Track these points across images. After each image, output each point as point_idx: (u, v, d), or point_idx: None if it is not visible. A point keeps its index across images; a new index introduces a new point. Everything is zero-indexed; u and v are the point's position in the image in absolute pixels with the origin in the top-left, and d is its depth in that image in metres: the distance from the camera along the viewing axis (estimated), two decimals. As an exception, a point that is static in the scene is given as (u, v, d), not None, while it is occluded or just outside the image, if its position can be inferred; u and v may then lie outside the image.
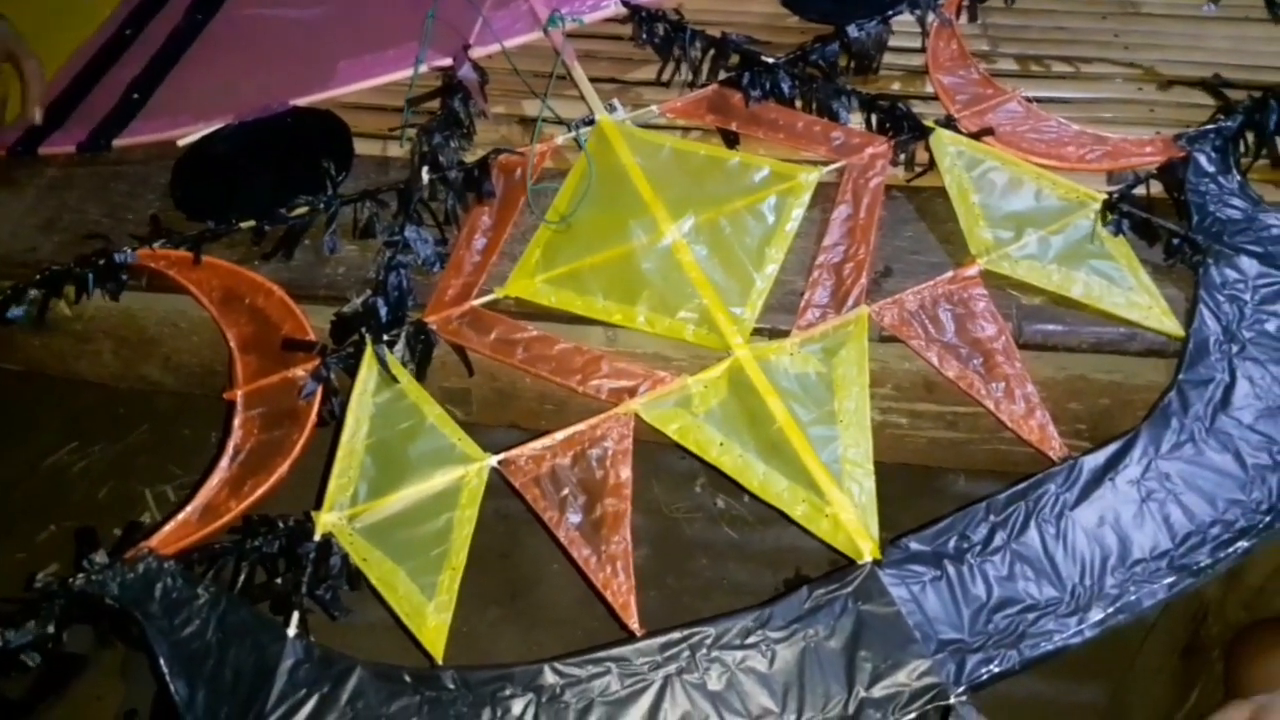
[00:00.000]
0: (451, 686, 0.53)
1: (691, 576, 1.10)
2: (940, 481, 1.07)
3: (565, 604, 1.08)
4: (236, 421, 0.62)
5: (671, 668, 0.52)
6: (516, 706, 0.52)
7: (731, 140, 0.74)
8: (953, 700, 0.50)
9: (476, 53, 0.81)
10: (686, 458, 1.22)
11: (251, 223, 0.70)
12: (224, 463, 0.61)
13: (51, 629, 0.58)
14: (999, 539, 0.55)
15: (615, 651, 0.53)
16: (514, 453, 0.61)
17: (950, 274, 0.65)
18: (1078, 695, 0.93)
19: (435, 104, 0.77)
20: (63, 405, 1.34)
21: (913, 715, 0.49)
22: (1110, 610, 0.53)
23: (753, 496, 1.10)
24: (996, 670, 0.51)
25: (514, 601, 1.09)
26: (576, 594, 1.13)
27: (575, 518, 0.59)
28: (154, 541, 0.59)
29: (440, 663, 0.54)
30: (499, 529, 1.12)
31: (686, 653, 0.53)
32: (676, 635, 0.53)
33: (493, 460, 0.60)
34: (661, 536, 1.13)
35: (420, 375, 0.65)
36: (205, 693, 0.54)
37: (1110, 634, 0.53)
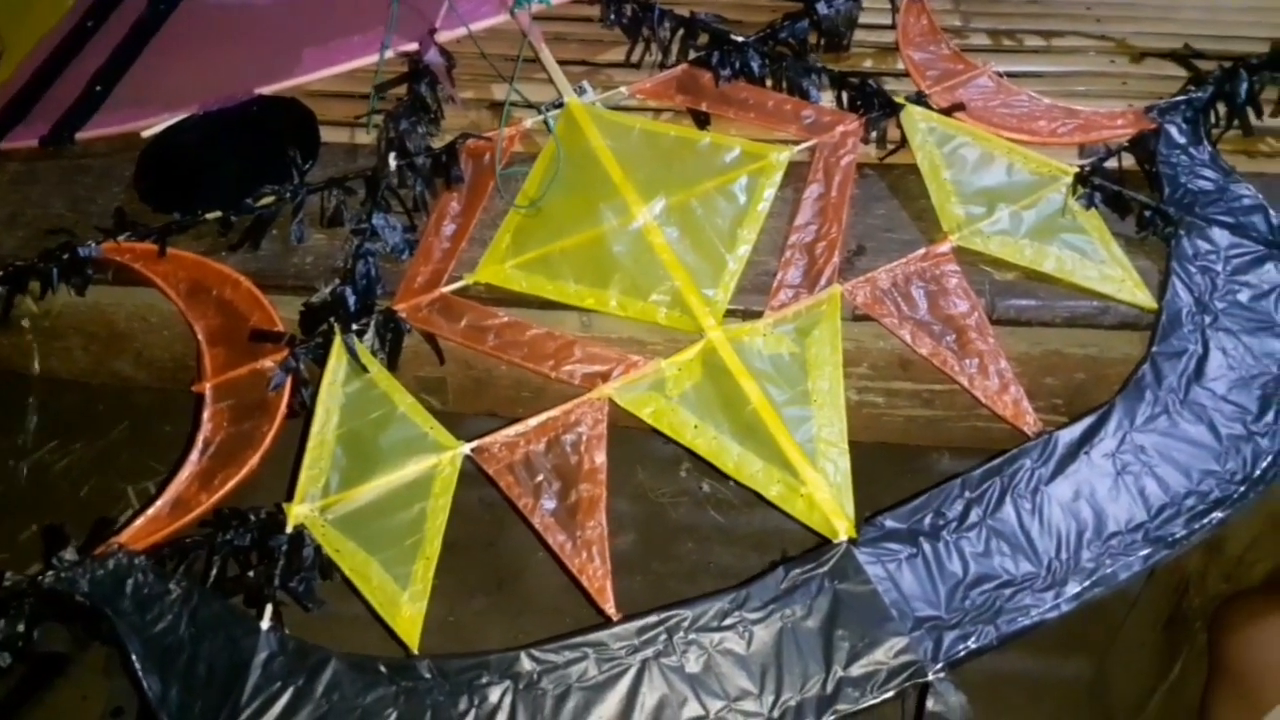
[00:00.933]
0: (428, 676, 0.52)
1: (677, 561, 1.10)
2: (923, 460, 1.07)
3: (552, 592, 1.07)
4: (206, 414, 0.62)
5: (649, 651, 0.52)
6: (494, 694, 0.52)
7: (702, 121, 0.74)
8: (931, 677, 0.50)
9: (443, 37, 0.80)
10: (671, 443, 1.22)
11: (218, 213, 0.69)
12: (194, 456, 0.60)
13: (21, 628, 0.57)
14: (975, 515, 0.55)
15: (592, 637, 0.53)
16: (487, 440, 0.60)
17: (922, 251, 0.64)
18: (1062, 670, 0.93)
19: (402, 90, 0.76)
20: (42, 404, 1.33)
21: (891, 693, 0.49)
22: (1087, 584, 0.53)
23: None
24: (974, 646, 0.51)
25: (500, 590, 1.09)
26: (563, 581, 1.12)
27: (550, 504, 0.58)
28: (124, 537, 0.58)
29: (416, 652, 0.54)
30: (484, 518, 1.11)
31: (664, 636, 0.52)
32: (653, 619, 0.53)
33: (466, 448, 0.60)
34: (647, 521, 1.13)
35: (392, 364, 0.64)
36: (179, 688, 0.54)
37: (1093, 608, 0.53)
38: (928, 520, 0.55)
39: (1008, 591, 0.53)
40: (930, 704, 0.49)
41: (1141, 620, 0.84)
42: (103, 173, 0.76)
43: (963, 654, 0.51)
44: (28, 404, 1.32)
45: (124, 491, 1.27)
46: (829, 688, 0.50)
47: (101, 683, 1.06)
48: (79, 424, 1.32)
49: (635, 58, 0.80)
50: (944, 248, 0.64)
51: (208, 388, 0.63)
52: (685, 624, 0.53)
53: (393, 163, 0.70)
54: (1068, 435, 0.57)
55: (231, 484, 0.59)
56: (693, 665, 0.52)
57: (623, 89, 0.76)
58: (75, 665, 1.08)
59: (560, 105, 0.74)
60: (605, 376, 0.62)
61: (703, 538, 1.12)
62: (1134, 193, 0.65)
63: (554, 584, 1.11)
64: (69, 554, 0.58)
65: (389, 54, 0.78)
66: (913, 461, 1.11)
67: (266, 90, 0.78)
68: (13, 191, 0.76)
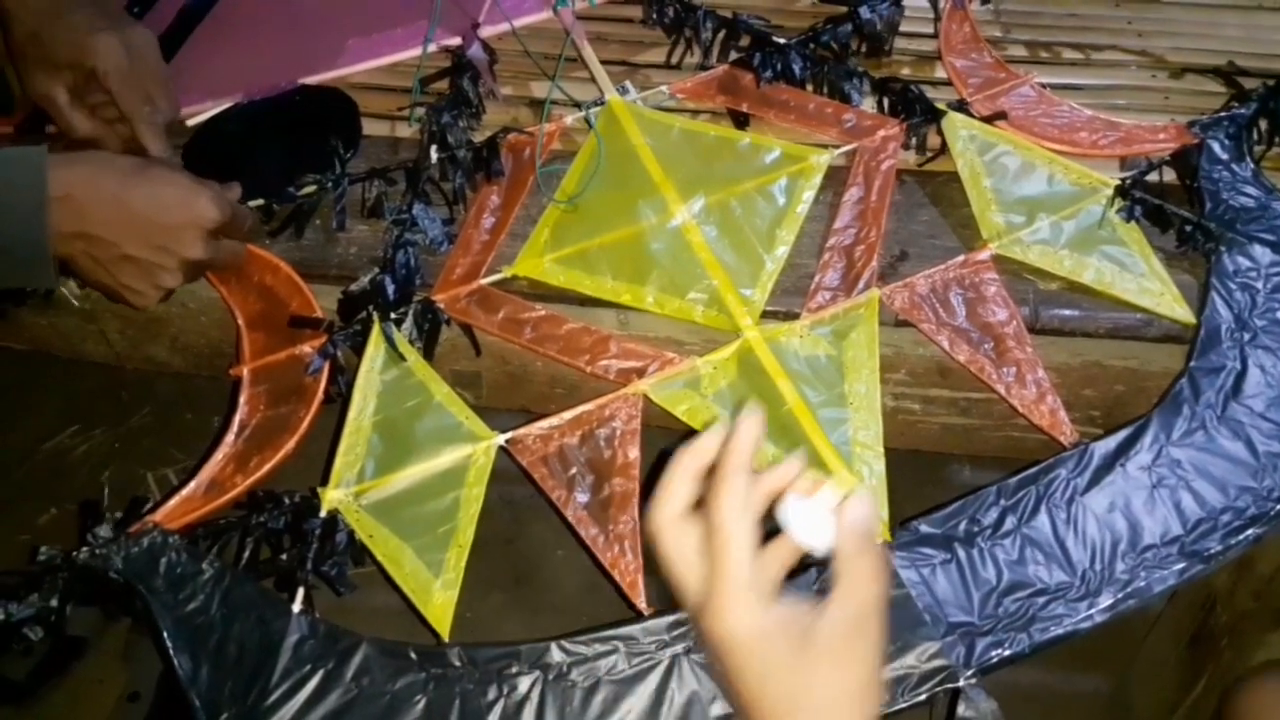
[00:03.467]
0: (458, 664, 0.53)
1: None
2: (946, 471, 1.07)
3: (570, 590, 1.08)
4: (243, 397, 0.62)
5: (679, 647, 0.52)
6: (523, 684, 0.52)
7: (741, 121, 0.74)
8: (962, 682, 0.49)
9: (486, 32, 0.80)
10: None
11: (260, 202, 0.70)
12: (230, 438, 0.61)
13: (55, 602, 0.58)
14: (1009, 523, 0.55)
15: (623, 630, 0.53)
16: (521, 432, 0.60)
17: (961, 258, 0.64)
18: (1083, 684, 0.93)
19: (444, 84, 0.77)
20: (64, 388, 1.34)
21: (922, 697, 0.49)
22: (1120, 595, 0.53)
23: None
24: (1006, 654, 0.51)
25: (518, 587, 1.09)
26: (581, 580, 1.13)
27: (583, 497, 0.58)
28: (159, 516, 0.58)
29: (446, 639, 0.54)
30: (504, 515, 1.12)
31: (694, 632, 0.52)
32: (684, 615, 0.53)
33: (500, 438, 0.60)
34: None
35: (428, 353, 0.64)
36: (209, 668, 0.54)
37: (1116, 623, 0.53)
38: (962, 527, 0.55)
39: (1041, 600, 0.52)
40: (961, 709, 0.49)
41: (1164, 637, 0.84)
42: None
43: (995, 660, 0.50)
44: (50, 388, 1.33)
45: (144, 478, 1.28)
46: (860, 690, 0.50)
47: (120, 667, 1.07)
48: (101, 409, 1.33)
49: (675, 58, 0.80)
50: (983, 255, 0.64)
51: (246, 371, 0.63)
52: (717, 621, 0.52)
53: (434, 155, 0.70)
54: (1103, 447, 0.57)
55: (267, 467, 0.59)
56: (723, 663, 0.52)
57: (663, 88, 0.76)
58: (94, 650, 1.09)
59: (601, 103, 0.74)
60: (640, 373, 0.62)
61: (723, 543, 1.12)
62: (1175, 207, 0.65)
63: (572, 583, 1.12)
64: (104, 531, 0.58)
65: (432, 48, 0.78)
66: (937, 472, 1.11)
67: (310, 80, 0.79)
68: (56, 173, 0.76)
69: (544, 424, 0.61)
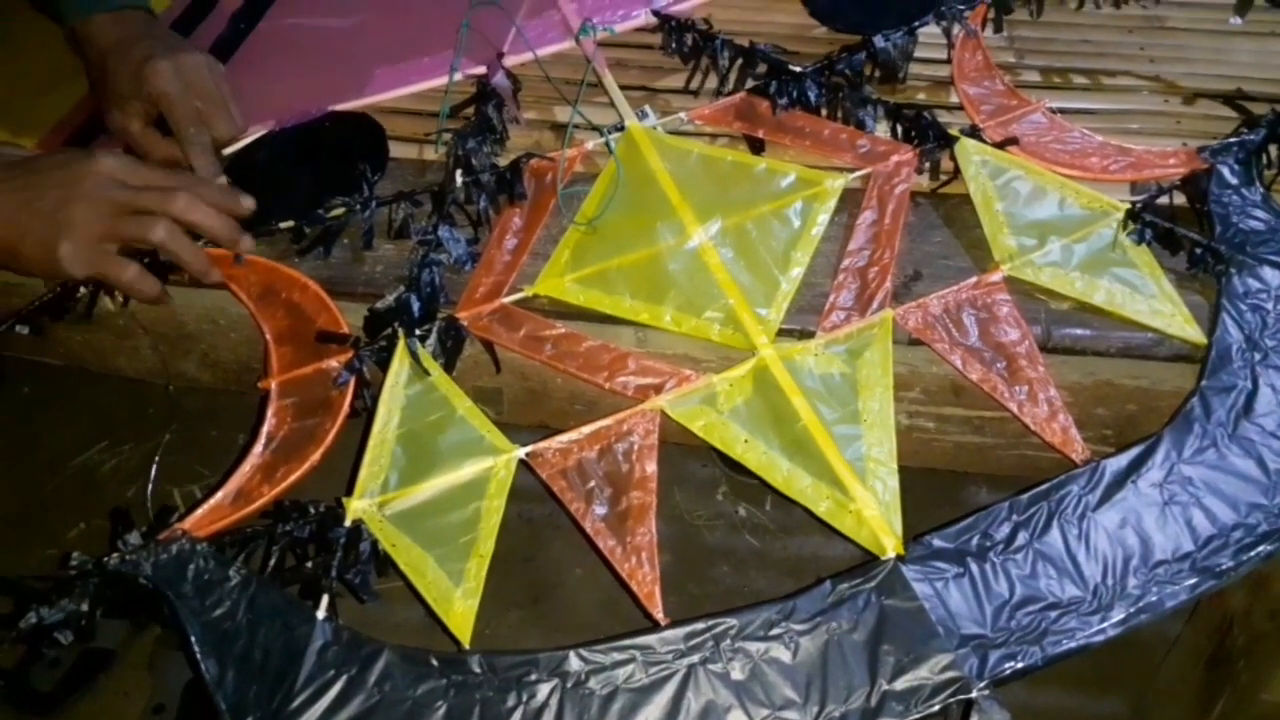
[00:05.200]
0: (478, 671, 0.54)
1: (713, 583, 1.11)
2: (960, 492, 1.07)
3: (587, 608, 1.08)
4: (270, 410, 0.64)
5: (695, 657, 0.53)
6: (542, 692, 0.53)
7: (758, 147, 0.76)
8: (975, 694, 0.50)
9: (510, 61, 0.83)
10: (709, 465, 1.24)
11: (291, 223, 0.72)
12: (257, 449, 0.62)
13: (85, 607, 0.59)
14: (1021, 538, 0.55)
15: (640, 640, 0.54)
16: (541, 445, 0.62)
17: (974, 279, 0.65)
18: (1101, 706, 0.93)
19: (469, 109, 0.79)
20: (93, 405, 1.37)
21: (935, 708, 0.50)
22: (1133, 610, 0.53)
23: (774, 505, 1.11)
24: (1020, 666, 0.51)
25: (536, 605, 1.10)
26: (598, 598, 1.14)
27: (601, 510, 0.60)
28: (187, 524, 0.60)
29: (467, 647, 0.55)
30: (522, 533, 1.13)
31: (710, 643, 0.53)
32: (700, 625, 0.54)
33: (521, 452, 0.61)
34: (683, 543, 1.14)
35: (450, 369, 0.66)
36: (235, 672, 0.55)
37: (1132, 644, 0.53)
38: (975, 541, 0.55)
39: (1053, 614, 0.53)
40: (974, 720, 0.50)
41: (1181, 658, 0.83)
42: (182, 180, 0.79)
43: (1008, 673, 0.51)
44: (78, 404, 1.36)
45: (170, 494, 1.30)
46: (873, 700, 0.51)
47: (144, 680, 1.08)
48: (128, 426, 1.36)
49: (694, 85, 0.82)
50: (995, 277, 0.65)
51: (273, 384, 0.65)
52: (732, 632, 0.53)
53: (459, 179, 0.72)
54: (1115, 464, 0.58)
55: (293, 478, 0.61)
56: (738, 673, 0.52)
57: (682, 114, 0.78)
58: (119, 662, 1.11)
59: (621, 128, 0.76)
60: (658, 389, 0.63)
61: (738, 561, 1.13)
62: (1186, 230, 0.66)
63: (589, 601, 1.12)
64: (134, 538, 0.60)
65: (458, 77, 0.81)
66: (950, 492, 1.11)
67: (339, 107, 0.81)
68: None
69: (563, 438, 0.62)
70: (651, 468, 0.60)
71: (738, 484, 1.16)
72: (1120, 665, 0.91)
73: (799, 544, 1.12)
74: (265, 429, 0.63)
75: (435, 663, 0.54)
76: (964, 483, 1.10)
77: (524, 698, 0.53)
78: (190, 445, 1.32)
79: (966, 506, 0.57)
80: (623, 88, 0.81)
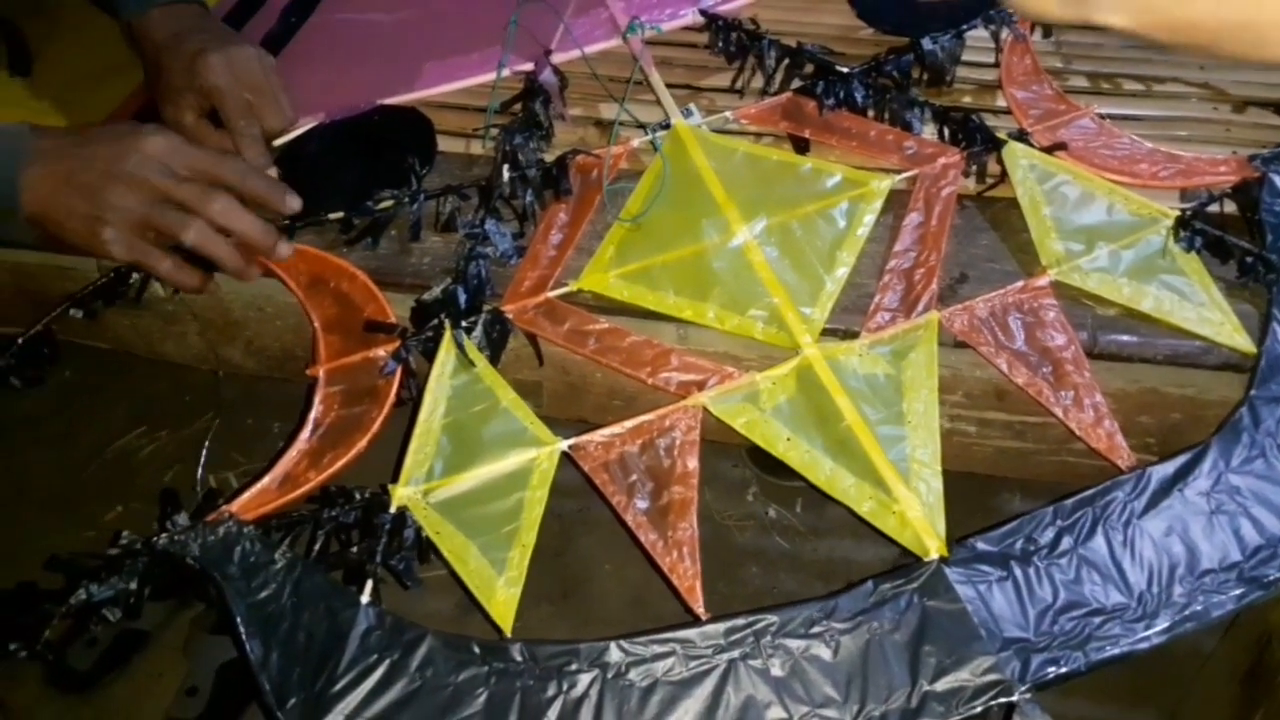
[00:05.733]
0: (519, 659, 0.54)
1: (742, 584, 1.10)
2: (995, 499, 1.06)
3: (616, 605, 1.09)
4: (318, 397, 0.65)
5: (735, 653, 0.53)
6: (582, 682, 0.53)
7: (803, 147, 0.76)
8: (1016, 697, 0.50)
9: (557, 58, 0.83)
10: (740, 466, 1.24)
11: (339, 214, 0.73)
12: (304, 435, 0.63)
13: (133, 585, 0.61)
14: (1065, 543, 0.55)
15: (680, 634, 0.54)
16: (583, 439, 0.62)
17: (1021, 283, 0.65)
18: (1131, 719, 0.92)
19: (515, 105, 0.80)
20: (131, 390, 1.39)
21: (977, 710, 0.50)
22: (1178, 618, 0.53)
23: (805, 507, 1.11)
24: (1062, 671, 0.51)
25: (565, 599, 1.11)
26: (627, 595, 1.14)
27: (642, 503, 0.60)
28: (234, 506, 0.61)
29: (508, 635, 0.55)
30: (553, 528, 1.13)
31: (751, 639, 0.53)
32: (741, 621, 0.54)
33: (563, 444, 0.62)
34: (713, 543, 1.14)
35: (495, 361, 0.67)
36: (279, 654, 0.56)
37: (1166, 657, 0.53)
38: (1019, 545, 0.55)
39: (1097, 620, 0.53)
40: (1016, 724, 0.49)
41: (1217, 673, 0.82)
42: (232, 170, 0.80)
43: (1051, 677, 0.51)
44: (118, 390, 1.38)
45: (206, 479, 1.32)
46: (914, 701, 0.51)
47: (179, 661, 1.10)
48: (166, 412, 1.38)
49: (740, 84, 0.82)
50: (1042, 281, 0.65)
51: (321, 372, 0.66)
52: (773, 629, 0.54)
53: (506, 174, 0.73)
54: (1161, 471, 0.57)
55: (339, 464, 0.62)
56: (778, 669, 0.53)
57: (728, 113, 0.78)
58: (154, 643, 1.12)
59: (667, 126, 0.77)
60: (700, 385, 0.63)
61: (768, 563, 1.12)
62: (1236, 238, 0.65)
63: (618, 598, 1.13)
64: (182, 519, 0.61)
65: (506, 73, 0.81)
66: (983, 498, 1.10)
67: (388, 101, 0.82)
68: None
69: (605, 432, 0.63)
70: (693, 463, 0.61)
71: (769, 485, 1.16)
72: (1153, 678, 0.91)
73: (829, 546, 1.12)
74: (313, 415, 0.64)
75: (477, 650, 0.55)
76: (998, 489, 1.09)
77: (564, 687, 0.53)
78: (227, 432, 1.34)
79: (1000, 513, 0.57)
80: (668, 86, 0.81)
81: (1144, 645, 0.52)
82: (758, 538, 1.14)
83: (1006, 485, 1.12)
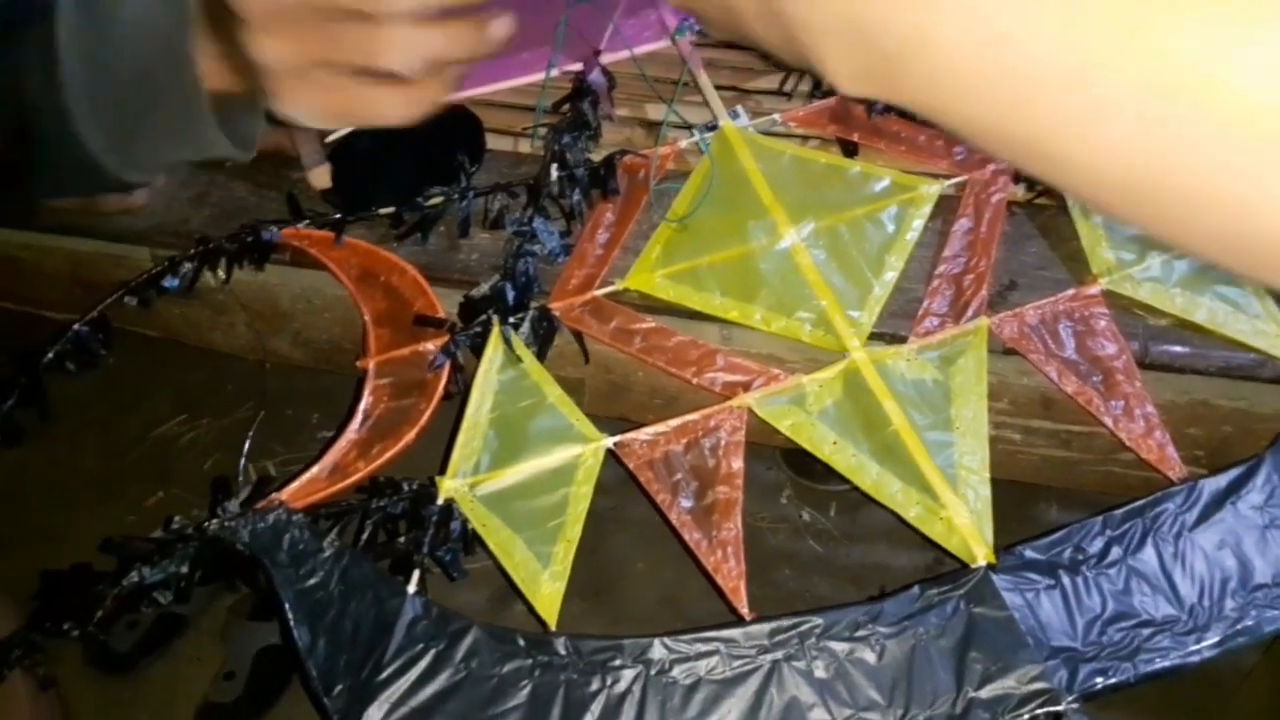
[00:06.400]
0: (563, 653, 0.55)
1: (774, 587, 1.11)
2: (1033, 509, 1.06)
3: (647, 603, 1.09)
4: (367, 388, 0.66)
5: (779, 653, 0.53)
6: (626, 677, 0.54)
7: (850, 150, 0.76)
8: (1064, 707, 0.50)
9: (606, 59, 0.83)
10: (774, 468, 1.24)
11: (390, 210, 0.74)
12: (354, 426, 0.64)
13: (184, 569, 0.62)
14: (1115, 553, 0.55)
15: (724, 633, 0.54)
16: (628, 436, 0.63)
17: (1071, 291, 0.65)
18: (1172, 735, 0.91)
19: (564, 104, 0.80)
20: (173, 379, 1.42)
21: (1023, 718, 0.50)
22: (1229, 632, 0.52)
23: (839, 512, 1.10)
24: (1111, 682, 0.51)
25: (597, 596, 1.11)
26: (659, 594, 1.15)
27: (687, 502, 0.60)
28: (284, 494, 0.62)
29: (553, 629, 0.56)
30: (586, 525, 1.14)
31: (795, 640, 0.53)
32: (785, 622, 0.54)
33: (609, 441, 0.62)
34: (746, 545, 1.14)
35: (541, 358, 0.67)
36: (326, 640, 0.57)
37: (1205, 673, 0.52)
38: (1067, 554, 0.55)
39: (1146, 631, 0.52)
40: (1062, 734, 0.49)
41: (1257, 690, 0.81)
42: (281, 163, 0.81)
43: (1099, 687, 0.51)
44: (162, 378, 1.41)
45: (245, 468, 1.35)
46: (958, 707, 0.51)
47: (217, 647, 1.12)
48: (207, 401, 1.41)
49: (788, 87, 0.82)
50: (1093, 290, 0.64)
51: (372, 364, 0.67)
52: (818, 631, 0.54)
53: (554, 173, 0.74)
54: (1213, 484, 0.57)
55: (388, 455, 0.62)
56: (822, 672, 0.53)
57: (776, 116, 0.78)
58: (193, 629, 1.15)
59: (714, 128, 0.77)
60: (746, 387, 0.64)
61: (801, 566, 1.12)
62: (1293, 250, 0.65)
63: (649, 596, 1.13)
64: (233, 505, 0.62)
65: (555, 73, 0.82)
66: (1022, 508, 1.10)
67: (438, 97, 0.83)
68: (200, 173, 0.82)
69: (650, 430, 0.63)
70: (738, 464, 0.61)
71: (803, 488, 1.16)
72: (1191, 695, 0.90)
73: (863, 552, 1.11)
74: (362, 406, 0.65)
75: (521, 642, 0.55)
76: (1035, 499, 1.08)
77: (608, 682, 0.54)
78: (267, 423, 1.36)
79: (1037, 523, 0.57)
80: (715, 87, 0.81)
81: (1194, 659, 0.51)
82: (791, 541, 1.14)
83: (1043, 495, 1.11)
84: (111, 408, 1.35)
